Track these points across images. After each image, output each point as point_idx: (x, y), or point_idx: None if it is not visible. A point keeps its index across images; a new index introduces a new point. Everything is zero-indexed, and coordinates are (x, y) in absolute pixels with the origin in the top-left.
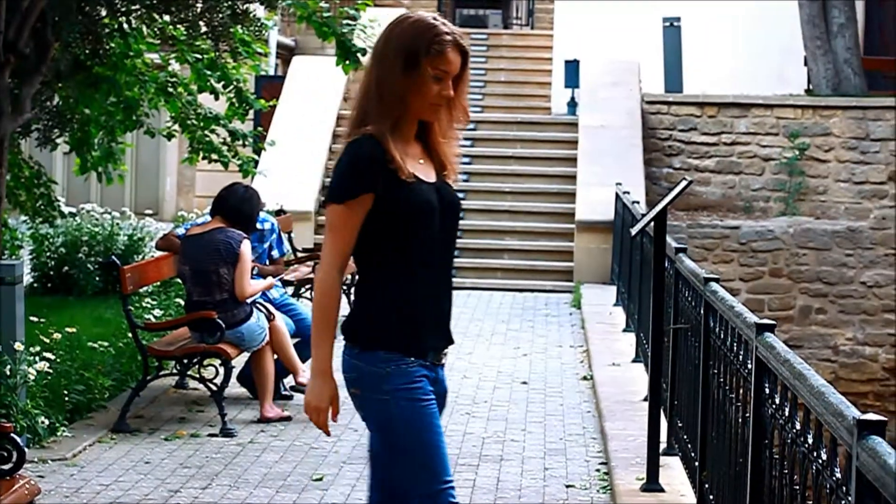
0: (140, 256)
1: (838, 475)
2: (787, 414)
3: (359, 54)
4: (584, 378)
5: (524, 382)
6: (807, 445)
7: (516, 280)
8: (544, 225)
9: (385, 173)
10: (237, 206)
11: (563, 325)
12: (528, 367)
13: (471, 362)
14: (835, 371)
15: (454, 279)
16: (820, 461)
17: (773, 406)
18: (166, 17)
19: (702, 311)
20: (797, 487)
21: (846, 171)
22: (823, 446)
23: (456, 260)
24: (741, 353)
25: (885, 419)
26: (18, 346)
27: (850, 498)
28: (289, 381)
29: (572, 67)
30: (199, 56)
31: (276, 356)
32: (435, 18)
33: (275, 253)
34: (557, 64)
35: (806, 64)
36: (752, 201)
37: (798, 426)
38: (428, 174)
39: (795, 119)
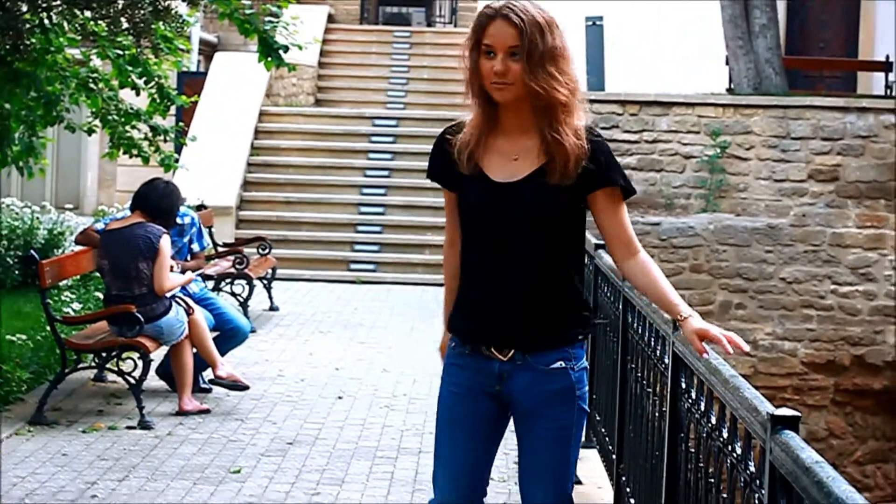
0: (60, 251)
1: (752, 469)
2: (702, 408)
3: (280, 51)
4: None
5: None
6: (722, 440)
7: (437, 275)
8: None
9: (447, 163)
10: (157, 201)
11: None
12: None
13: (390, 356)
14: (754, 366)
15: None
16: (735, 455)
17: (690, 400)
18: (87, 13)
19: (620, 307)
20: (712, 481)
21: (767, 169)
22: (738, 440)
23: (377, 255)
24: (658, 347)
25: (799, 414)
26: None
27: (763, 492)
28: (207, 374)
29: None
30: (120, 52)
31: (195, 350)
32: None
33: (195, 247)
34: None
35: (727, 63)
36: (673, 198)
37: (713, 420)
38: (512, 172)
39: (717, 118)
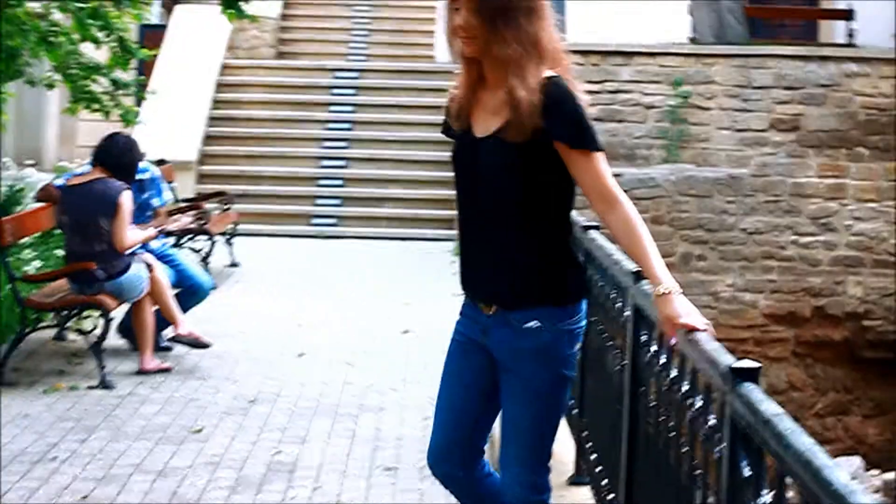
0: (20, 207)
1: (713, 422)
2: (663, 361)
3: (242, 3)
4: None
5: (406, 332)
6: (682, 392)
7: (399, 229)
8: (428, 174)
9: (447, 118)
10: (118, 156)
11: (445, 273)
12: (409, 317)
13: (352, 312)
14: (715, 317)
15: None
16: (695, 408)
17: (650, 353)
18: None
19: (582, 259)
20: (673, 434)
21: (728, 119)
22: (699, 393)
23: (338, 209)
24: (619, 301)
25: (759, 366)
26: None
27: (723, 444)
28: (168, 332)
29: None
30: (80, 5)
31: (156, 307)
32: None
33: (155, 202)
34: (442, 11)
35: (689, 13)
36: (634, 149)
37: (674, 373)
38: (487, 127)
39: (678, 67)
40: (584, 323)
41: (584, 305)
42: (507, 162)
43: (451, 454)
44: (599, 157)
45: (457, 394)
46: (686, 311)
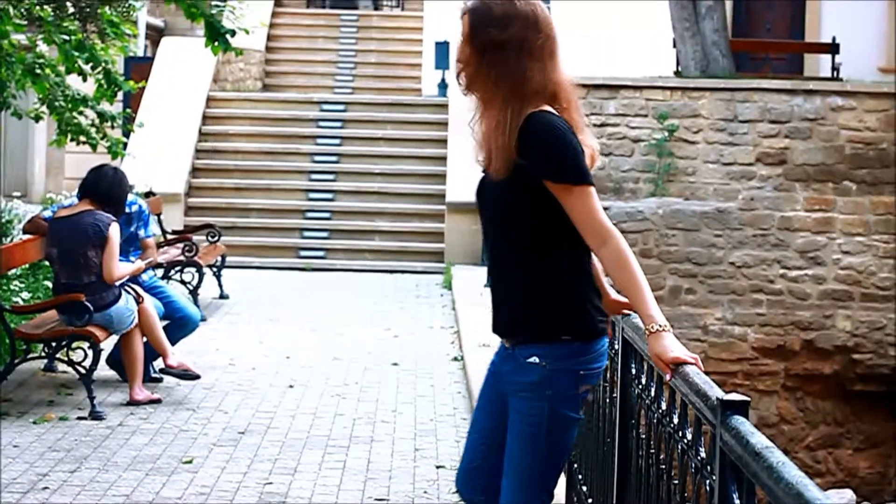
0: (8, 239)
1: (703, 455)
2: (653, 394)
3: (227, 35)
4: (455, 359)
5: (395, 364)
6: (672, 425)
7: (387, 262)
8: (415, 206)
9: None
10: (107, 188)
11: (434, 305)
12: (398, 349)
13: (341, 344)
14: (704, 350)
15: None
16: (685, 441)
17: (640, 386)
18: None
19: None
20: (663, 467)
21: (715, 153)
22: (688, 426)
23: (326, 241)
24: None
25: (748, 399)
26: None
27: (714, 477)
28: (158, 363)
29: (443, 49)
30: (66, 37)
31: (145, 339)
32: None
33: (141, 233)
34: (428, 46)
35: (675, 46)
36: (621, 182)
37: (664, 406)
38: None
39: (664, 101)
40: (596, 364)
41: (597, 346)
42: (504, 199)
43: (474, 479)
44: (586, 192)
45: (482, 421)
46: (676, 347)
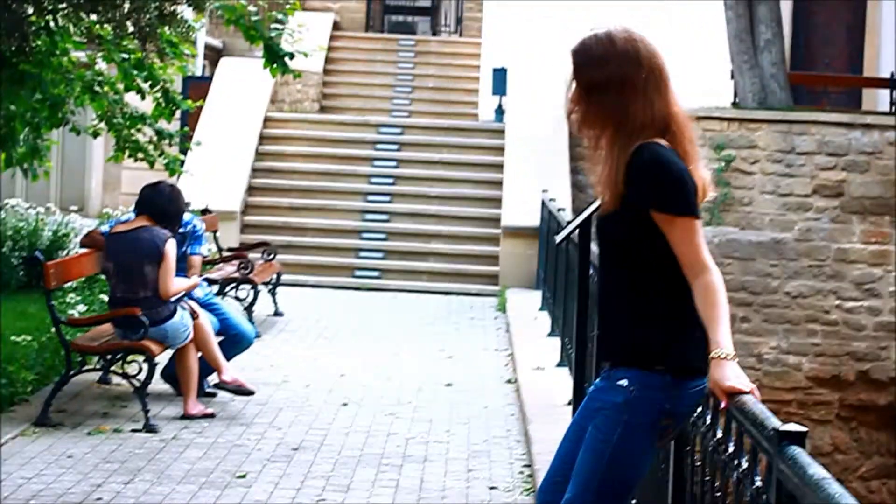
0: (65, 252)
1: (759, 484)
2: (708, 421)
3: (286, 58)
4: (509, 381)
5: (449, 384)
6: (728, 453)
7: (442, 283)
8: (470, 230)
9: None
10: (164, 205)
11: (488, 328)
12: (452, 370)
13: (396, 364)
14: (759, 379)
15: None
16: (741, 469)
17: (696, 414)
18: (93, 17)
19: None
20: (718, 495)
21: (771, 184)
22: (744, 454)
23: (381, 262)
24: None
25: (806, 430)
26: None
27: None
28: (213, 378)
29: (500, 75)
30: (125, 56)
31: (200, 354)
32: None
33: (188, 250)
34: (485, 71)
35: (732, 77)
36: None
37: (720, 434)
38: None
39: (721, 131)
40: (685, 402)
41: (691, 384)
42: (612, 230)
43: (553, 493)
44: (689, 224)
45: (570, 437)
46: (735, 376)
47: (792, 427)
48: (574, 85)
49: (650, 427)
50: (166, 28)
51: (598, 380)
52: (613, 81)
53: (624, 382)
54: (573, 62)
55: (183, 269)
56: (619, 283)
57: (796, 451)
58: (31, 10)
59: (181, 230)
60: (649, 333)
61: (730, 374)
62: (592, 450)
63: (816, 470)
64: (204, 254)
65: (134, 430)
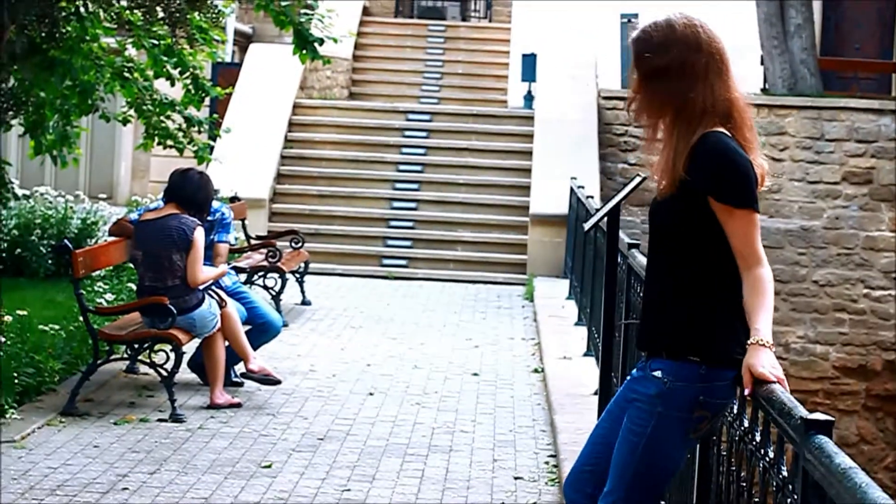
0: (93, 240)
1: (785, 473)
2: (735, 410)
3: (315, 44)
4: (535, 371)
5: (475, 374)
6: (755, 443)
7: (469, 272)
8: (498, 217)
9: None
10: (193, 193)
11: (515, 317)
12: (479, 359)
13: (422, 353)
14: (786, 369)
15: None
16: (767, 459)
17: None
18: (123, 2)
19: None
20: (744, 485)
21: (800, 171)
22: (771, 444)
23: (408, 251)
24: None
25: (833, 419)
26: None
27: (795, 496)
28: (239, 368)
29: (529, 61)
30: (155, 42)
31: (227, 343)
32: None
33: (215, 238)
34: (515, 57)
35: (762, 63)
36: None
37: (746, 424)
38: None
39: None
40: (721, 394)
41: (725, 375)
42: (666, 216)
43: (580, 483)
44: (747, 216)
45: (602, 425)
46: (770, 364)
47: (819, 416)
48: (635, 74)
49: (684, 418)
50: (196, 14)
51: (634, 370)
52: (673, 67)
53: (658, 374)
54: (633, 51)
55: (210, 257)
56: (666, 270)
57: (823, 440)
58: None
59: (209, 218)
60: (689, 322)
61: (765, 361)
62: (627, 442)
63: (843, 459)
64: (231, 241)
65: (160, 420)
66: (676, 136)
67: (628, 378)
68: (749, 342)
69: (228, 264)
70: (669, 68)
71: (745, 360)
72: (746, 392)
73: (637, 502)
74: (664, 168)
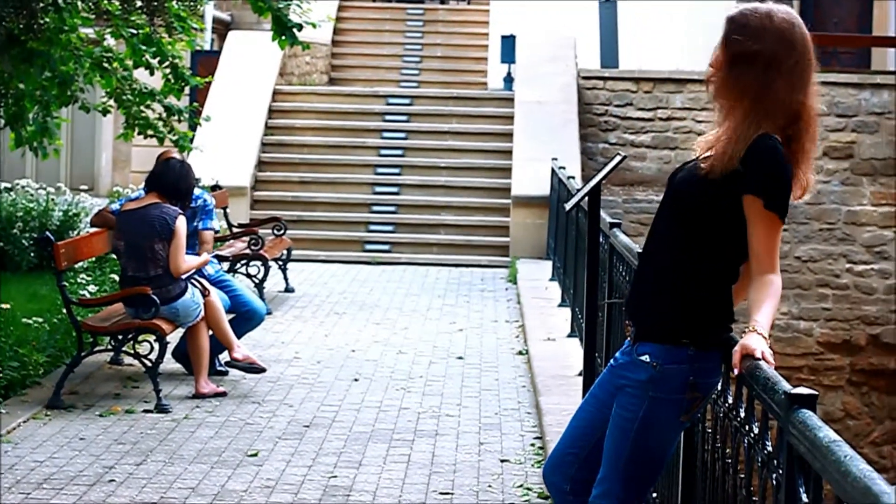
0: (75, 232)
1: (769, 449)
2: (719, 388)
3: (294, 29)
4: (520, 353)
5: (460, 357)
6: (739, 419)
7: (452, 255)
8: (480, 200)
9: None
10: (175, 182)
11: (499, 300)
12: (463, 342)
13: (406, 337)
14: (770, 346)
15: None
16: (752, 435)
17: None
18: None
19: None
20: (729, 461)
21: None
22: (755, 420)
23: (391, 235)
24: None
25: (816, 393)
26: None
27: (780, 471)
28: (224, 356)
29: (509, 43)
30: (134, 31)
31: (211, 332)
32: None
33: (199, 225)
34: (494, 39)
35: None
36: None
37: (731, 400)
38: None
39: None
40: (711, 376)
41: (712, 355)
42: (694, 194)
43: (563, 467)
44: (774, 223)
45: (586, 408)
46: (761, 347)
47: (802, 390)
48: (720, 51)
49: (677, 401)
50: (174, 2)
51: (619, 353)
52: (762, 57)
53: (646, 358)
54: (726, 29)
55: (194, 244)
56: (669, 248)
57: (807, 414)
58: None
59: (192, 205)
60: (681, 308)
61: (759, 344)
62: (619, 428)
63: (827, 433)
64: (216, 228)
65: (146, 411)
66: (748, 124)
67: (612, 363)
68: (747, 328)
69: (211, 253)
70: (758, 56)
71: (740, 342)
72: (736, 372)
73: (632, 488)
74: (719, 154)
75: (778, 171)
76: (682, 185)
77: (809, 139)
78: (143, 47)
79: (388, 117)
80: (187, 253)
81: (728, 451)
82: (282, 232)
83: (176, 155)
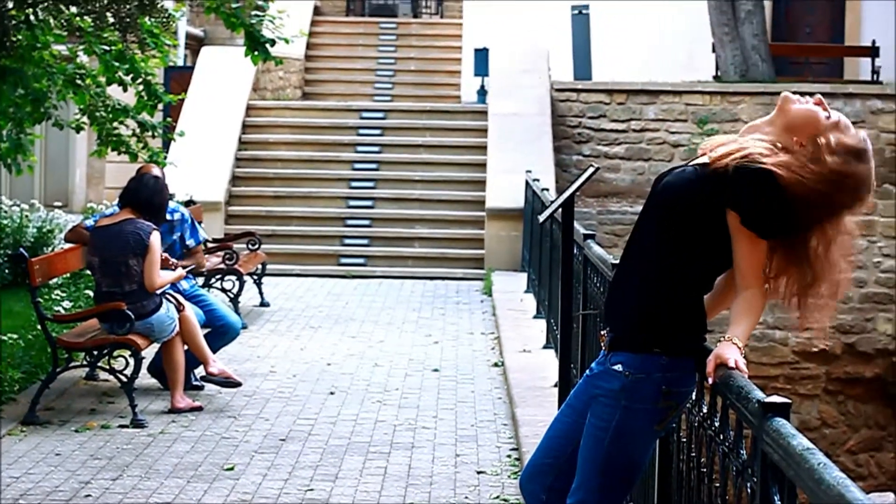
0: (50, 248)
1: (744, 457)
2: (694, 397)
3: (267, 45)
4: (495, 365)
5: (435, 370)
6: (714, 428)
7: (427, 268)
8: (454, 213)
9: None
10: (149, 197)
11: (474, 312)
12: (439, 355)
13: (382, 350)
14: (746, 355)
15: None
16: (727, 444)
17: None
18: (73, 9)
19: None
20: (704, 470)
21: None
22: (730, 429)
23: (366, 249)
24: None
25: (789, 401)
26: None
27: (755, 479)
28: (199, 371)
29: (482, 55)
30: (106, 48)
31: (186, 347)
32: None
33: (190, 242)
34: (467, 52)
35: (714, 51)
36: None
37: (705, 409)
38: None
39: (704, 105)
40: (683, 384)
41: (684, 363)
42: (678, 189)
43: (540, 476)
44: (752, 238)
45: (561, 419)
46: (734, 356)
47: (776, 399)
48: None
49: (649, 410)
50: (147, 18)
51: (594, 364)
52: (825, 181)
53: (619, 367)
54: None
55: (179, 258)
56: (647, 256)
57: (780, 422)
58: (10, 5)
59: (168, 219)
60: (654, 317)
61: (733, 354)
62: (593, 437)
63: (800, 441)
64: (207, 238)
65: (121, 426)
66: (749, 142)
67: (588, 373)
68: (723, 338)
69: (203, 266)
70: (821, 179)
71: (714, 352)
72: (710, 381)
73: (606, 498)
74: (725, 150)
75: (760, 189)
76: (670, 183)
77: (801, 158)
78: (116, 64)
79: (361, 131)
80: (163, 268)
81: (703, 460)
82: (256, 246)
83: (155, 170)
